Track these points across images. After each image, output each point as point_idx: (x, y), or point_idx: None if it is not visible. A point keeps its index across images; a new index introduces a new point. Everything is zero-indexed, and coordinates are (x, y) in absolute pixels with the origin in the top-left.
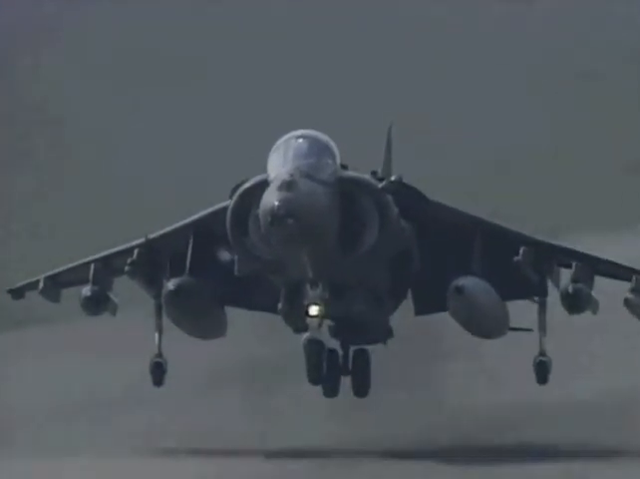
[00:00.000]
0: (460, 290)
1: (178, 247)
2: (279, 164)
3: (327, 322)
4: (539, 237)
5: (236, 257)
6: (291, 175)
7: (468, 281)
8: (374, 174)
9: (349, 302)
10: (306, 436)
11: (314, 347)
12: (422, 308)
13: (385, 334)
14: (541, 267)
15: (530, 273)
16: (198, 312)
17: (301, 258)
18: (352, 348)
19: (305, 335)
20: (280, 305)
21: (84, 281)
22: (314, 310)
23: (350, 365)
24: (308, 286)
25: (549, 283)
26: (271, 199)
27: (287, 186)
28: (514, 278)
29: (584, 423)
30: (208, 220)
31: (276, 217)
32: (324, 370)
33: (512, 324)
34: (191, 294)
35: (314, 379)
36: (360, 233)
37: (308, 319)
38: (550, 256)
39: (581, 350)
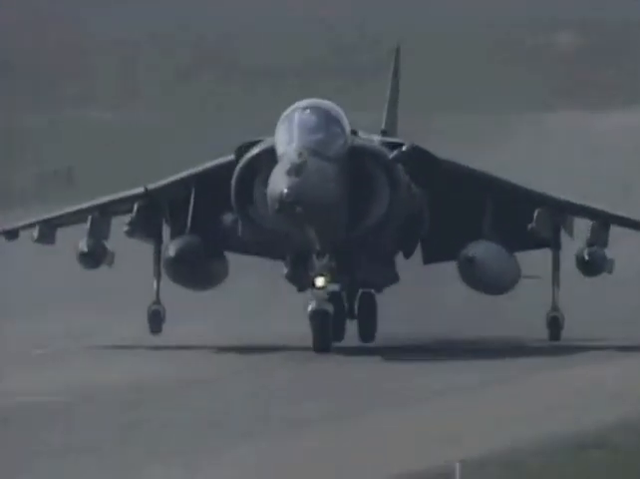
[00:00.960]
0: (470, 260)
1: (180, 199)
2: (286, 139)
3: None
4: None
5: (240, 224)
6: (300, 154)
7: (478, 250)
8: (384, 133)
9: (356, 269)
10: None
11: (320, 318)
12: (430, 257)
13: (391, 281)
14: (555, 223)
15: (544, 232)
16: (200, 273)
17: (308, 234)
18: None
19: (311, 306)
20: (285, 270)
21: (81, 222)
22: (321, 281)
23: (356, 309)
24: (315, 256)
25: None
26: (279, 184)
27: (296, 170)
28: (526, 233)
29: None
30: (211, 174)
31: (284, 204)
32: (331, 339)
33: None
34: (193, 257)
35: (321, 348)
36: (370, 204)
37: (314, 291)
38: (565, 213)
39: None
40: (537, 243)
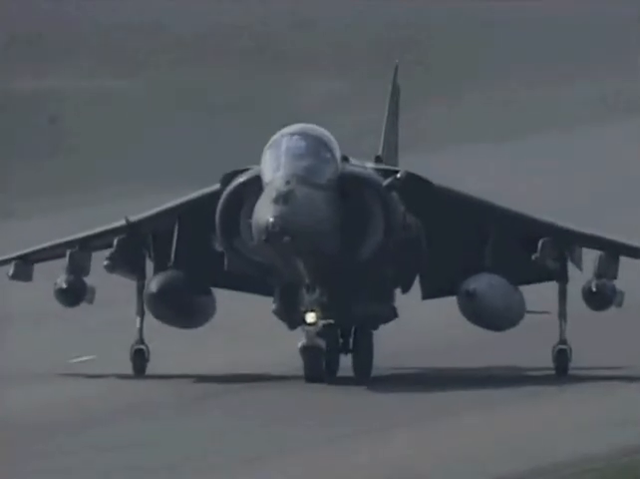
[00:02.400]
0: (471, 295)
1: (163, 231)
2: (273, 166)
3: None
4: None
5: (225, 257)
6: (287, 182)
7: (479, 283)
8: (378, 159)
9: (350, 304)
10: None
11: (312, 354)
12: (429, 293)
13: (387, 317)
14: (562, 254)
15: (550, 264)
16: (184, 310)
17: (297, 267)
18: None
19: (301, 342)
20: (274, 306)
21: (59, 257)
22: (311, 318)
23: (351, 343)
24: (304, 290)
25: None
26: (265, 213)
27: (283, 198)
28: (531, 265)
29: None
30: (196, 204)
31: (271, 234)
32: (323, 372)
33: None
34: (176, 293)
35: (313, 381)
36: (363, 234)
37: (305, 327)
38: (573, 243)
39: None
40: (543, 276)
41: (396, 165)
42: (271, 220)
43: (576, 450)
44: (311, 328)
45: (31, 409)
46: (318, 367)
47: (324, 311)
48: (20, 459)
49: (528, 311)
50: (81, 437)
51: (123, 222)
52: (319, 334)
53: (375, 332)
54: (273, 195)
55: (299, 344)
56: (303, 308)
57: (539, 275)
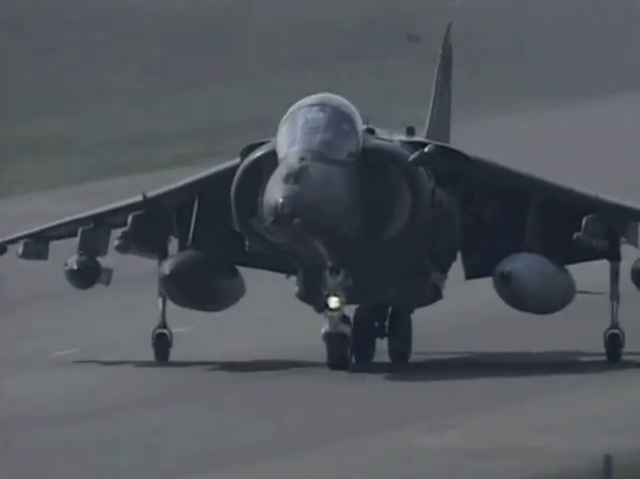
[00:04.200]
0: (506, 277)
1: (185, 208)
2: (288, 141)
3: None
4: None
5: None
6: (301, 159)
7: (515, 265)
8: (410, 131)
9: (379, 285)
10: None
11: (336, 341)
12: (472, 273)
13: (424, 299)
14: (612, 230)
15: (598, 243)
16: (203, 292)
17: (316, 249)
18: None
19: (324, 328)
20: (297, 289)
21: (71, 236)
22: (334, 302)
23: (387, 326)
24: (327, 273)
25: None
26: (275, 192)
27: (295, 176)
28: (579, 244)
29: None
30: (216, 179)
31: (280, 216)
32: (348, 359)
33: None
34: (193, 275)
35: (337, 368)
36: (389, 214)
37: (328, 313)
38: (625, 219)
39: None
40: (592, 255)
41: (447, 139)
42: (280, 200)
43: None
44: (334, 314)
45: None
46: (342, 354)
47: (349, 295)
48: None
49: (579, 291)
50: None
51: (139, 197)
52: (343, 320)
53: (418, 314)
54: (284, 172)
55: (322, 331)
56: (326, 292)
57: (588, 254)
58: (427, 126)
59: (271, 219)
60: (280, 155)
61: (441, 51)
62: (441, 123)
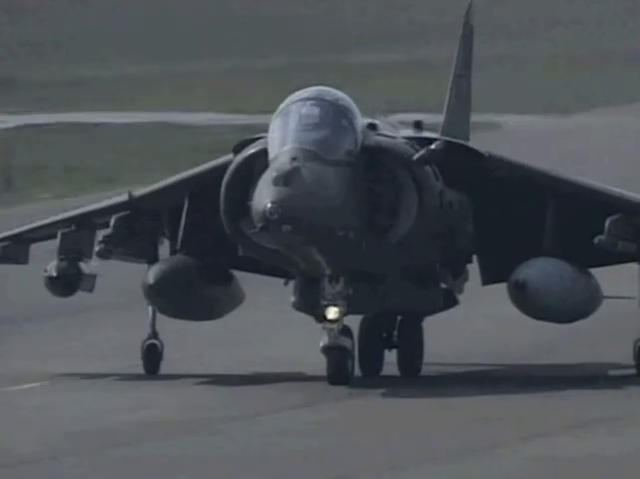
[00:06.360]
0: (521, 286)
1: (176, 209)
2: (279, 139)
3: None
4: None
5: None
6: (292, 159)
7: (530, 272)
8: (417, 125)
9: (385, 293)
10: None
11: (335, 355)
12: (489, 278)
13: (437, 306)
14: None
15: (625, 245)
16: (194, 302)
17: (310, 256)
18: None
19: (323, 342)
20: (292, 298)
21: (51, 238)
22: (333, 313)
23: (396, 336)
24: (326, 281)
25: None
26: (264, 196)
27: (285, 178)
28: (602, 248)
29: None
30: (208, 177)
31: (268, 222)
32: (350, 373)
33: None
34: (180, 283)
35: (337, 383)
36: (392, 216)
37: (327, 325)
38: None
39: None
40: (620, 258)
41: (466, 133)
42: (269, 205)
43: None
44: (333, 326)
45: None
46: (343, 368)
47: (351, 305)
48: None
49: (607, 297)
50: None
51: (124, 197)
52: (343, 332)
53: (430, 323)
54: (274, 174)
55: (320, 344)
56: (325, 302)
57: (614, 257)
58: (443, 117)
59: (260, 224)
60: (271, 155)
61: (461, 31)
62: (459, 114)
